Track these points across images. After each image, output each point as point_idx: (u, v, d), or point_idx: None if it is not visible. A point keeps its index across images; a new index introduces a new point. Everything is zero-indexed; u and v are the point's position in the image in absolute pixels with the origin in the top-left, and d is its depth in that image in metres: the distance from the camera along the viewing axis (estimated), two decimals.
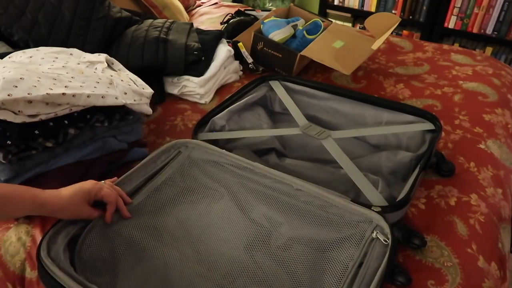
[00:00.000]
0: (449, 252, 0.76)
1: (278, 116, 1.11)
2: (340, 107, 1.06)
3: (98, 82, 0.86)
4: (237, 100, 1.05)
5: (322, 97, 1.08)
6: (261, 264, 0.68)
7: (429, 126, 0.95)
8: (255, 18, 1.60)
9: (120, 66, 1.03)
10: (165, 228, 0.75)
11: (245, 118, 1.03)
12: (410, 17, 2.51)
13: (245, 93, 1.08)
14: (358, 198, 0.81)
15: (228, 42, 1.37)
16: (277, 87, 1.12)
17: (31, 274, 0.78)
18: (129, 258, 0.70)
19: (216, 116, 1.00)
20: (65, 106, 0.80)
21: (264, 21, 1.40)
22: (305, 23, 1.47)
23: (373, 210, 0.68)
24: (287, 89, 1.12)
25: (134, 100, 0.93)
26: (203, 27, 1.64)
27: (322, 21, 1.44)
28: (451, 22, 2.38)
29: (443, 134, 1.07)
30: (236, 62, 1.35)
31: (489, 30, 2.30)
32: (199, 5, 2.10)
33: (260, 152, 0.98)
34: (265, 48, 1.36)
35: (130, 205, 0.77)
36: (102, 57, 0.99)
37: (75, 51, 0.99)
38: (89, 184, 0.71)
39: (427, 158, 0.83)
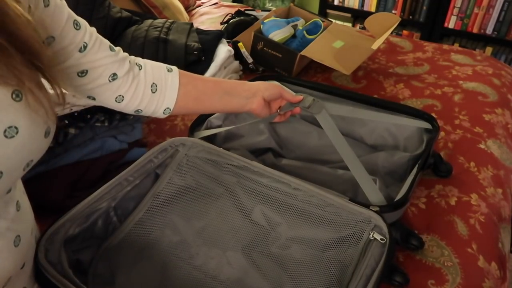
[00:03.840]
0: (450, 252, 0.76)
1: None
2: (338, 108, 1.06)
3: None
4: None
5: (320, 98, 1.07)
6: (259, 264, 0.68)
7: (427, 125, 0.95)
8: (255, 18, 1.60)
9: None
10: (161, 227, 0.74)
11: (242, 118, 1.02)
12: (410, 17, 2.51)
13: None
14: (356, 198, 0.81)
15: (228, 42, 1.37)
16: None
17: None
18: (126, 259, 0.70)
19: (212, 116, 1.00)
20: (65, 106, 0.80)
21: (264, 21, 1.40)
22: (305, 23, 1.47)
23: (371, 210, 0.68)
24: None
25: None
26: (203, 27, 1.64)
27: (322, 21, 1.44)
28: (451, 22, 2.38)
29: (443, 134, 1.07)
30: (236, 62, 1.35)
31: (489, 30, 2.30)
32: (199, 5, 2.10)
33: (257, 152, 0.98)
34: (265, 48, 1.36)
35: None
36: None
37: None
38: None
39: (425, 158, 0.83)
